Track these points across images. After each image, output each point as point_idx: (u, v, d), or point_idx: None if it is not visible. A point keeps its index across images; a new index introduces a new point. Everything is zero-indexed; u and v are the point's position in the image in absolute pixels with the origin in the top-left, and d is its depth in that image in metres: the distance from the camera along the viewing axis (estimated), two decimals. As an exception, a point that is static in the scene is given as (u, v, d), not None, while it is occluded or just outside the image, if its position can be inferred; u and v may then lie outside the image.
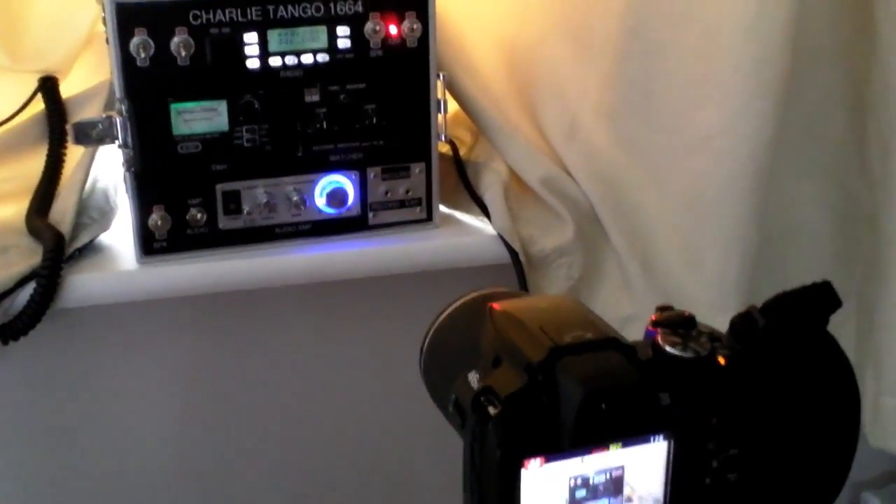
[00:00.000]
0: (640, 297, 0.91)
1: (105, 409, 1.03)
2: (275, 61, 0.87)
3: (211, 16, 0.85)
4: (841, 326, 1.01)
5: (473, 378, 0.49)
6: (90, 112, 0.93)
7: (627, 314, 0.92)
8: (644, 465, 0.48)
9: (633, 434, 0.46)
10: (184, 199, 0.88)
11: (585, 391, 0.44)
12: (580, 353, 0.46)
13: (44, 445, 1.03)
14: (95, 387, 1.02)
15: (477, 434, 0.45)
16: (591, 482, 0.47)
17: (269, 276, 0.92)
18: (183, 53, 0.84)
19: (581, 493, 0.47)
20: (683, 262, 0.90)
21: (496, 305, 0.51)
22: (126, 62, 0.84)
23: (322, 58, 0.88)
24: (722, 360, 0.49)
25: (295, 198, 0.90)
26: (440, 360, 0.56)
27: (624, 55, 0.91)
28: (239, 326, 1.03)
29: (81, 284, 0.87)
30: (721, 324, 0.52)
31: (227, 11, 0.85)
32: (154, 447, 1.05)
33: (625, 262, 0.93)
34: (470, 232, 0.95)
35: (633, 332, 0.51)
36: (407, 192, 0.94)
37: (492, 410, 0.45)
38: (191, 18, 0.84)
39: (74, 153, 0.94)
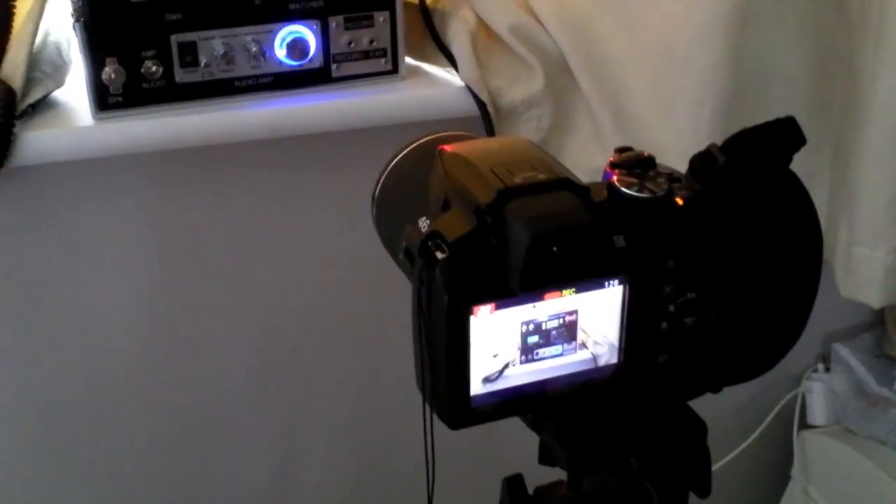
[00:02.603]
0: (611, 148, 0.89)
1: (65, 270, 1.01)
2: None
3: None
4: (815, 176, 1.00)
5: (423, 224, 0.47)
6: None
7: (598, 166, 0.89)
8: (598, 309, 0.46)
9: (586, 277, 0.45)
10: (137, 51, 0.84)
11: (534, 233, 0.42)
12: (530, 195, 0.44)
13: (6, 305, 1.02)
14: (54, 247, 0.99)
15: (424, 279, 0.44)
16: (543, 327, 0.45)
17: (229, 131, 0.89)
18: None
19: (533, 339, 0.45)
20: (655, 112, 0.88)
21: (447, 147, 0.49)
22: None
23: None
24: (680, 201, 0.47)
25: (254, 49, 0.87)
26: (391, 208, 0.54)
27: None
28: (200, 183, 1.00)
29: (36, 140, 0.85)
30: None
31: None
32: (117, 303, 1.03)
33: (596, 112, 0.90)
34: (437, 83, 0.93)
35: (604, 185, 0.49)
36: (371, 42, 0.90)
37: (439, 255, 0.43)
38: None
39: (23, 5, 0.89)
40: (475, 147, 0.49)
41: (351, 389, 1.14)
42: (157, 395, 1.08)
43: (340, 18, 0.88)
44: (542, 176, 0.45)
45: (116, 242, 1.01)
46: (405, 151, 0.54)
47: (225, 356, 1.09)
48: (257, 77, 0.88)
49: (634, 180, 0.47)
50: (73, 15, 0.82)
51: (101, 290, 1.02)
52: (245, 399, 1.11)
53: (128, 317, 1.04)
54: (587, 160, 0.91)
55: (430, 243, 0.44)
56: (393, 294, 1.03)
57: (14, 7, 0.90)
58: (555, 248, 0.43)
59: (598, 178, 0.87)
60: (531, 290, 0.44)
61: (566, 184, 0.45)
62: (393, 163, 0.55)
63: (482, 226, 0.44)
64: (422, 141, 0.54)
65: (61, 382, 1.05)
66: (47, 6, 0.88)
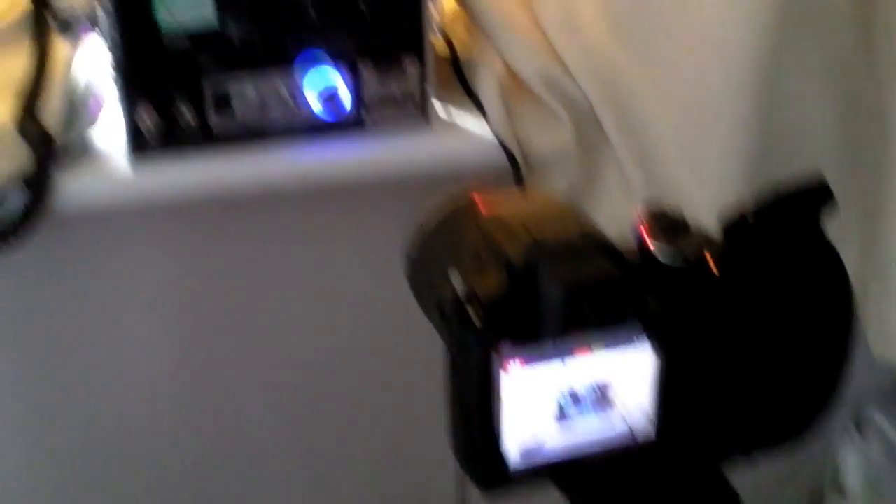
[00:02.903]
0: (639, 200, 0.89)
1: (99, 314, 1.02)
2: (261, -51, 0.84)
3: None
4: (845, 233, 0.99)
5: (456, 280, 0.48)
6: (76, 2, 0.90)
7: (627, 217, 0.89)
8: (630, 373, 0.46)
9: (617, 339, 0.45)
10: (172, 96, 0.86)
11: (568, 294, 0.43)
12: (563, 255, 0.44)
13: (36, 356, 1.03)
14: (87, 294, 1.01)
15: (457, 337, 0.44)
16: (576, 391, 0.45)
17: (262, 178, 0.90)
18: (165, -60, 0.81)
19: (566, 403, 0.45)
20: (684, 164, 0.88)
21: (480, 204, 0.49)
22: (106, -50, 0.81)
23: (310, -55, 0.85)
24: (712, 264, 0.47)
25: (285, 94, 0.88)
26: (424, 264, 0.54)
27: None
28: (230, 232, 1.01)
29: (73, 187, 0.86)
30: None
31: None
32: (148, 354, 1.04)
33: (624, 163, 0.90)
34: (466, 134, 0.93)
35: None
36: (401, 89, 0.91)
37: (472, 314, 0.44)
38: None
39: (60, 47, 0.91)
40: (508, 202, 0.49)
41: (379, 447, 1.14)
42: (183, 444, 1.08)
43: (370, 64, 0.89)
44: (575, 235, 0.46)
45: (146, 289, 1.02)
46: (439, 209, 0.55)
47: (253, 407, 1.09)
48: (288, 123, 0.89)
49: (667, 242, 0.47)
50: (109, 59, 0.84)
51: (130, 335, 1.03)
52: (271, 453, 1.11)
53: (157, 364, 1.05)
54: (616, 211, 0.91)
55: (463, 301, 0.44)
56: (423, 350, 1.04)
57: (50, 49, 0.92)
58: (587, 306, 0.43)
59: (627, 230, 0.88)
60: (562, 346, 0.44)
61: (599, 244, 0.46)
62: (427, 219, 0.55)
63: (515, 284, 0.44)
64: (455, 197, 0.55)
65: (87, 430, 1.05)
66: (83, 49, 0.90)
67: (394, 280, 1.01)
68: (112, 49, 0.83)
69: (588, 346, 0.44)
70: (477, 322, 0.43)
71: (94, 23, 0.83)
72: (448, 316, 0.45)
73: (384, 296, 1.05)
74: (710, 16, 0.83)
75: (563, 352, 0.44)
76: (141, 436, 1.07)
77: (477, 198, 0.52)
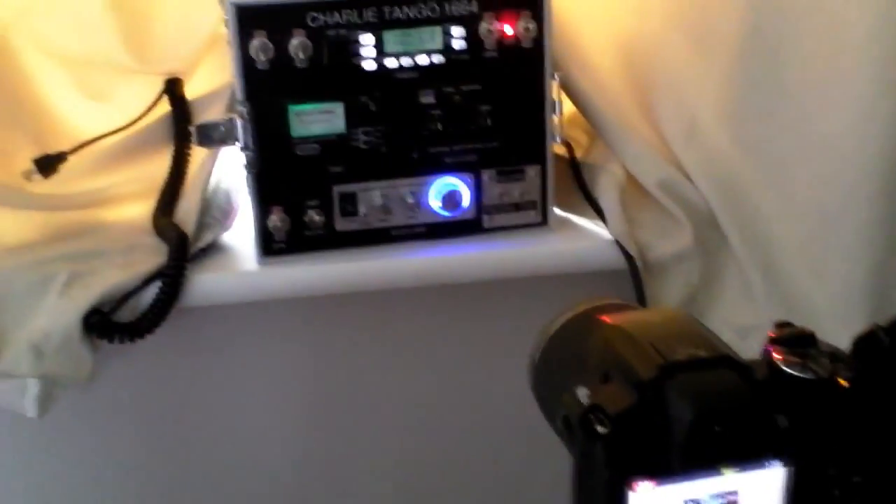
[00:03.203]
0: (761, 307, 0.88)
1: (222, 405, 1.06)
2: (390, 62, 0.88)
3: (328, 18, 0.86)
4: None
5: (582, 393, 0.48)
6: (213, 113, 0.95)
7: (748, 324, 0.89)
8: (760, 490, 0.46)
9: (747, 457, 0.45)
10: (302, 201, 0.89)
11: (697, 411, 0.43)
12: (692, 371, 0.45)
13: (164, 440, 1.06)
14: (213, 383, 1.04)
15: (585, 452, 0.44)
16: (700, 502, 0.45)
17: (384, 278, 0.92)
18: (301, 55, 0.85)
19: (692, 514, 0.45)
20: (807, 271, 0.87)
21: (607, 318, 0.50)
22: (246, 64, 0.85)
23: (437, 59, 0.88)
24: (843, 382, 0.46)
25: (410, 199, 0.91)
26: (549, 373, 0.55)
27: (745, 54, 0.88)
28: (353, 326, 1.04)
29: (204, 283, 0.89)
30: (846, 337, 0.50)
31: (343, 13, 0.86)
32: (270, 443, 1.07)
33: (745, 269, 0.90)
34: (585, 236, 0.94)
35: (754, 343, 0.49)
36: (521, 194, 0.93)
37: (600, 429, 0.44)
38: (308, 20, 0.85)
39: (198, 153, 0.96)
40: (635, 319, 0.49)
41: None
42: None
43: (493, 171, 0.92)
44: (703, 353, 0.46)
45: (268, 375, 1.06)
46: (564, 317, 0.56)
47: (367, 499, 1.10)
48: (412, 226, 0.92)
49: (796, 359, 0.47)
50: (245, 166, 0.88)
51: (252, 417, 1.06)
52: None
53: (276, 452, 1.08)
54: (736, 317, 0.90)
55: (591, 416, 0.45)
56: (535, 450, 1.05)
57: (189, 155, 0.97)
58: (717, 428, 0.43)
59: (748, 337, 0.87)
60: (693, 468, 0.44)
61: (728, 361, 0.46)
62: (552, 328, 0.56)
63: (643, 401, 0.44)
64: (581, 309, 0.56)
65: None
66: (219, 156, 0.95)
67: (510, 378, 1.02)
68: (247, 156, 0.87)
69: (718, 464, 0.44)
70: (605, 439, 0.44)
71: (230, 131, 0.87)
72: (575, 430, 0.45)
73: (500, 393, 1.06)
74: (834, 124, 0.83)
75: (692, 474, 0.44)
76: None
77: (601, 309, 0.53)
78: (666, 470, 0.44)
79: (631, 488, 0.44)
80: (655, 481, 0.44)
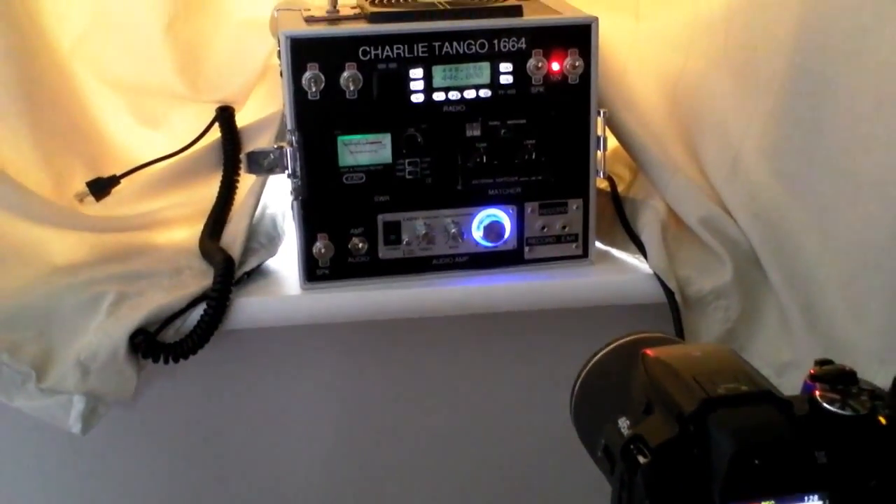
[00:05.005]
0: (800, 344, 0.89)
1: (261, 426, 1.07)
2: (438, 96, 0.89)
3: (379, 51, 0.87)
4: None
5: (624, 424, 0.49)
6: (262, 141, 0.97)
7: (786, 360, 0.89)
8: (798, 523, 0.46)
9: (786, 492, 0.45)
10: (347, 229, 0.91)
11: (738, 445, 0.43)
12: (734, 406, 0.45)
13: (202, 459, 1.08)
14: (254, 405, 1.06)
15: (625, 483, 0.45)
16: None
17: (425, 307, 0.93)
18: (351, 87, 0.87)
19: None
20: (847, 310, 0.87)
21: (649, 352, 0.51)
22: (298, 95, 0.87)
23: (484, 93, 0.90)
24: (883, 420, 0.47)
25: (453, 230, 0.92)
26: (590, 404, 0.56)
27: (790, 92, 0.89)
28: (394, 353, 1.05)
29: (248, 307, 0.91)
30: (886, 376, 0.50)
31: (394, 47, 0.87)
32: (308, 466, 1.08)
33: (785, 306, 0.90)
34: (625, 270, 0.95)
35: (793, 379, 0.50)
36: (564, 227, 0.94)
37: (641, 460, 0.45)
38: (360, 54, 0.87)
39: (246, 180, 0.98)
40: (678, 353, 0.50)
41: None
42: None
43: (536, 205, 0.93)
44: (744, 387, 0.47)
45: (309, 400, 1.07)
46: (607, 349, 0.57)
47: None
48: (454, 256, 0.93)
49: (837, 396, 0.48)
50: (292, 194, 0.90)
51: (291, 444, 1.08)
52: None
53: (314, 475, 1.09)
54: (775, 354, 0.90)
55: (632, 446, 0.45)
56: (574, 479, 1.05)
57: (238, 181, 1.00)
58: (757, 462, 0.44)
59: (785, 374, 0.87)
60: (732, 501, 0.44)
61: (769, 397, 0.46)
62: (593, 360, 0.57)
63: (684, 433, 0.45)
64: (623, 341, 0.56)
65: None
66: (267, 183, 0.97)
67: (547, 407, 1.02)
68: (294, 184, 0.89)
69: (758, 498, 0.45)
70: (646, 470, 0.44)
71: (279, 159, 0.89)
72: (616, 459, 0.46)
73: (538, 422, 1.06)
74: (878, 165, 0.83)
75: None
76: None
77: (643, 342, 0.54)
78: (705, 502, 0.45)
79: (672, 520, 0.45)
80: (696, 514, 0.45)
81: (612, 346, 0.57)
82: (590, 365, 0.57)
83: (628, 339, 0.57)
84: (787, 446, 0.45)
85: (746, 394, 0.46)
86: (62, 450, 1.06)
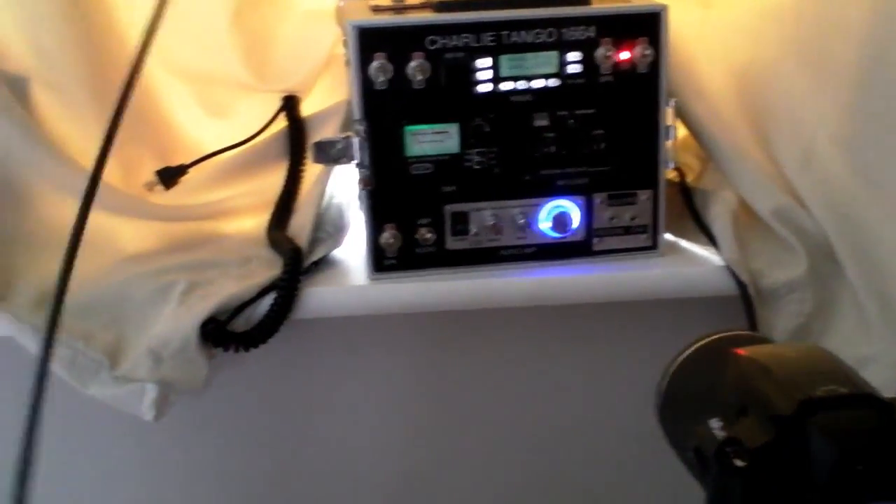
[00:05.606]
0: (877, 338, 0.87)
1: (328, 415, 1.08)
2: (506, 86, 0.88)
3: (447, 41, 0.87)
4: None
5: (716, 426, 0.48)
6: (328, 131, 0.98)
7: (863, 355, 0.87)
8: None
9: (888, 497, 0.44)
10: (414, 219, 0.91)
11: (840, 451, 0.43)
12: (833, 409, 0.45)
13: (271, 447, 1.09)
14: (322, 393, 1.07)
15: (720, 486, 0.45)
16: (840, 542, 0.45)
17: (492, 297, 0.93)
18: (419, 77, 0.87)
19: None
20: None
21: (741, 352, 0.50)
22: (365, 85, 0.87)
23: (552, 83, 0.89)
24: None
25: (520, 220, 0.91)
26: (678, 404, 0.55)
27: (865, 84, 0.87)
28: (460, 344, 1.05)
29: (316, 297, 0.91)
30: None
31: (462, 37, 0.87)
32: (374, 455, 1.09)
33: (861, 299, 0.88)
34: (695, 262, 0.94)
35: (870, 375, 0.49)
36: (632, 218, 0.93)
37: (738, 463, 0.44)
38: (427, 43, 0.86)
39: (312, 170, 0.98)
40: (772, 353, 0.49)
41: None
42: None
43: (605, 195, 0.92)
44: (843, 389, 0.46)
45: (375, 390, 1.08)
46: (692, 349, 0.56)
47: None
48: (521, 247, 0.93)
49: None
50: (359, 183, 0.90)
51: (358, 433, 1.08)
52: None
53: (380, 464, 1.09)
54: (851, 349, 0.89)
55: (728, 449, 0.45)
56: (642, 471, 1.05)
57: (304, 171, 1.00)
58: (860, 467, 0.43)
59: (863, 368, 0.85)
60: (830, 499, 0.44)
61: (870, 399, 0.46)
62: (680, 359, 0.56)
63: (782, 437, 0.44)
64: (708, 340, 0.56)
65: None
66: (334, 173, 0.97)
67: (613, 399, 1.02)
68: (362, 174, 0.89)
69: (858, 501, 0.44)
70: (743, 473, 0.44)
71: (346, 149, 0.89)
72: (710, 463, 0.46)
73: (603, 414, 1.06)
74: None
75: (832, 508, 0.44)
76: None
77: (731, 341, 0.53)
78: (804, 506, 0.44)
79: (769, 523, 0.44)
80: (793, 517, 0.44)
81: (697, 346, 0.56)
82: (675, 364, 0.57)
83: (714, 337, 0.56)
84: (890, 450, 0.44)
85: (847, 396, 0.45)
86: (132, 437, 1.08)
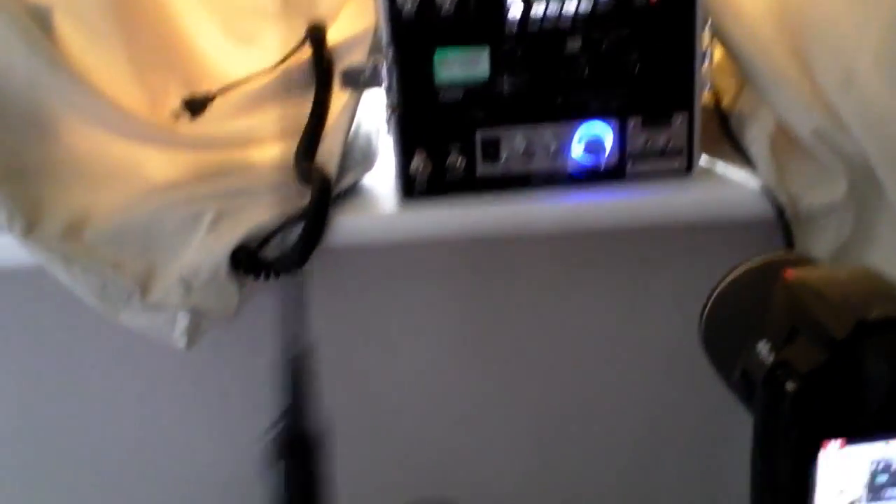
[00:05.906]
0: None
1: (359, 343, 1.08)
2: (537, 9, 0.86)
3: (476, -37, 0.85)
4: None
5: (764, 349, 0.48)
6: (354, 58, 0.95)
7: (903, 277, 0.86)
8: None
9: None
10: (444, 145, 0.89)
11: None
12: (890, 331, 0.44)
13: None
14: (352, 322, 1.06)
15: (770, 409, 0.44)
16: (893, 467, 0.44)
17: (524, 224, 0.92)
18: (447, 2, 0.85)
19: (882, 479, 0.44)
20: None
21: (791, 274, 0.49)
22: (393, 11, 0.85)
23: (584, 6, 0.87)
24: None
25: (553, 146, 0.90)
26: (723, 328, 0.54)
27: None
28: (491, 271, 1.05)
29: (346, 225, 0.91)
30: None
31: (492, -41, 0.85)
32: (409, 383, 1.09)
33: (904, 223, 0.87)
34: (731, 185, 0.92)
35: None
36: (667, 142, 0.91)
37: (789, 386, 0.43)
38: (455, -34, 0.84)
39: (339, 97, 0.97)
40: (823, 276, 0.48)
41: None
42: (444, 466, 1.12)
43: (639, 119, 0.90)
44: (897, 311, 0.45)
45: (407, 317, 1.07)
46: (737, 272, 0.55)
47: (500, 443, 1.12)
48: (554, 172, 0.91)
49: None
50: (388, 109, 0.88)
51: (389, 361, 1.08)
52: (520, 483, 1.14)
53: (415, 393, 1.09)
54: (890, 271, 0.87)
55: (778, 372, 0.44)
56: (668, 394, 1.05)
57: (331, 99, 0.98)
58: (914, 388, 0.42)
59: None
60: (888, 429, 0.43)
61: (923, 321, 0.44)
62: (724, 282, 0.55)
63: (835, 359, 0.44)
64: (756, 263, 0.54)
65: (357, 456, 1.11)
66: (363, 100, 0.95)
67: (648, 324, 1.01)
68: (391, 101, 0.88)
69: (913, 426, 0.43)
70: (794, 396, 0.43)
71: (375, 75, 0.87)
72: (758, 386, 0.45)
73: (636, 338, 1.05)
74: None
75: (887, 434, 0.43)
76: (399, 461, 1.12)
77: (780, 264, 0.52)
78: (857, 429, 0.43)
79: (821, 447, 0.43)
80: (844, 441, 0.44)
81: (743, 269, 0.55)
82: (720, 288, 0.56)
83: (760, 260, 0.55)
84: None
85: (901, 319, 0.44)
86: (164, 364, 1.08)
